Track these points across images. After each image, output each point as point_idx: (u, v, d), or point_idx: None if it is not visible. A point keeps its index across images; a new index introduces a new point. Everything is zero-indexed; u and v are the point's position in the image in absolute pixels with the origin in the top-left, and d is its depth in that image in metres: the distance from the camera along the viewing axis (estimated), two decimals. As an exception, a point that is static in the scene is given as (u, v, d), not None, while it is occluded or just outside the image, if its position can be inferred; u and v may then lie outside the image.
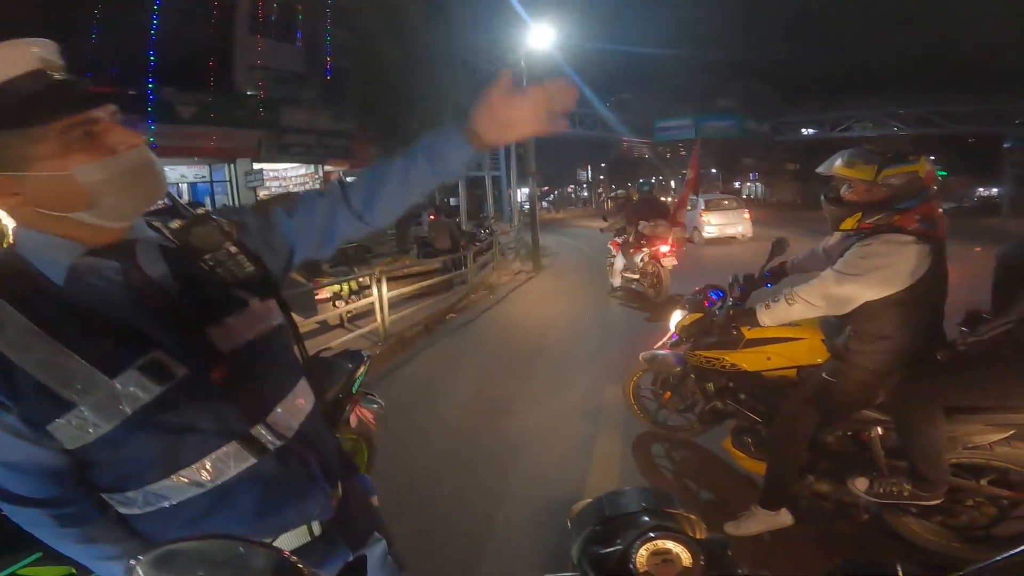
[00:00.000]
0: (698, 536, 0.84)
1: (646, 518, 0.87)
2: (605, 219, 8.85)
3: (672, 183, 34.45)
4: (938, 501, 2.00)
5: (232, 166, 13.96)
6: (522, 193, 15.03)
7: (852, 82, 28.83)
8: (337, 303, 6.25)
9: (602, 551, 0.83)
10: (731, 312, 2.40)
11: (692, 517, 0.86)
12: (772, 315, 2.16)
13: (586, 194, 18.75)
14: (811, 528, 2.30)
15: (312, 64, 15.47)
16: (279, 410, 0.81)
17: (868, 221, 1.98)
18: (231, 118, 12.70)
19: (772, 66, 31.53)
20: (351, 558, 0.89)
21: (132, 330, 0.71)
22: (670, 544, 0.78)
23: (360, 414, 2.34)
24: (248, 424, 0.77)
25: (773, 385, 2.43)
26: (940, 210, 2.00)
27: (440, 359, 5.11)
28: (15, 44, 0.67)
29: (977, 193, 28.53)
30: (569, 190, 20.33)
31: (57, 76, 0.68)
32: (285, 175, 15.39)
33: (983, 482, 2.04)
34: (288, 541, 0.83)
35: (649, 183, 9.76)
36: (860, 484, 2.13)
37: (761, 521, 2.29)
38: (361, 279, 6.21)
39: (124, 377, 0.69)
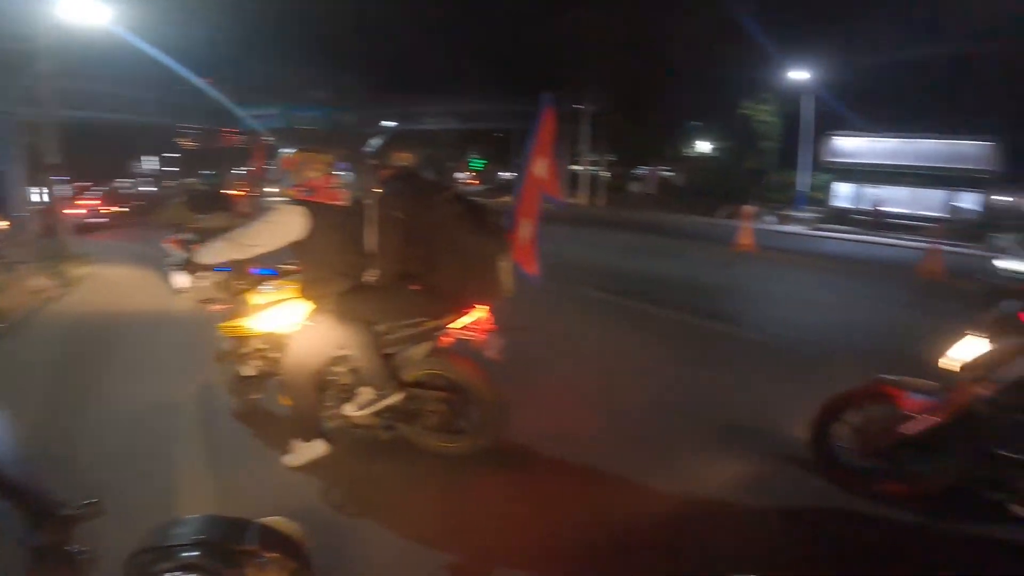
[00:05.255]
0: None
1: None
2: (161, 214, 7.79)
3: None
4: (397, 397, 2.67)
5: None
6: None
7: (425, 81, 33.32)
8: None
9: None
10: (191, 258, 2.71)
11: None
12: (207, 254, 2.60)
13: (155, 189, 15.52)
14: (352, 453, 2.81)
15: None
16: None
17: (272, 190, 2.67)
18: None
19: (360, 61, 33.39)
20: None
21: None
22: None
23: None
24: None
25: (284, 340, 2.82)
26: (328, 186, 2.70)
27: None
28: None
29: (500, 176, 35.86)
30: (128, 183, 16.55)
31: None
32: None
33: (432, 391, 2.79)
34: None
35: (220, 174, 9.05)
36: (349, 408, 2.70)
37: (303, 452, 2.65)
38: None
39: None
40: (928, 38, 17.87)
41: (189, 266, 2.72)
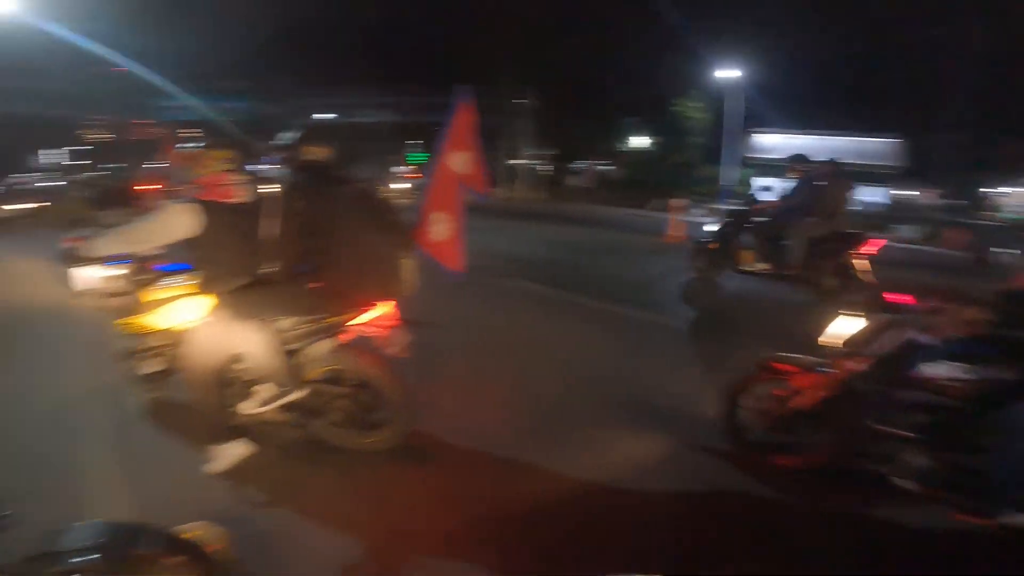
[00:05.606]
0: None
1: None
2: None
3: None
4: (299, 394, 2.63)
5: None
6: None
7: (365, 73, 32.00)
8: None
9: None
10: (78, 251, 2.61)
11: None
12: (95, 247, 2.53)
13: (57, 184, 14.06)
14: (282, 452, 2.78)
15: None
16: None
17: (171, 187, 2.53)
18: None
19: (295, 51, 31.75)
20: None
21: None
22: None
23: None
24: None
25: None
26: (221, 183, 2.62)
27: None
28: None
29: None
30: (27, 179, 14.87)
31: None
32: None
33: (338, 387, 2.75)
34: None
35: (128, 169, 8.37)
36: (250, 405, 2.63)
37: (223, 456, 2.61)
38: None
39: None
40: (846, 43, 19.19)
41: (77, 259, 2.65)
